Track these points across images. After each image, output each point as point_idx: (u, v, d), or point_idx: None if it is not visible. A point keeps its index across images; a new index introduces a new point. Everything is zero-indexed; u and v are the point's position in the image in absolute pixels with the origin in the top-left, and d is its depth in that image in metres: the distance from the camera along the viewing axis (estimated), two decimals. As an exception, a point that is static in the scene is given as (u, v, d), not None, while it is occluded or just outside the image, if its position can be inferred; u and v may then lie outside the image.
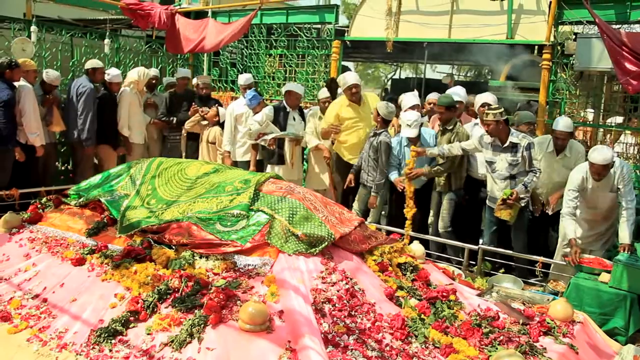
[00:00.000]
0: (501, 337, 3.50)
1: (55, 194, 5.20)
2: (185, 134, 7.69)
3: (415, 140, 5.88)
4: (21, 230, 4.68)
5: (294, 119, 6.79)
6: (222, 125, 7.37)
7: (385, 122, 6.05)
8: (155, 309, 3.42)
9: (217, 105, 7.58)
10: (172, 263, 3.80)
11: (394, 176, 5.97)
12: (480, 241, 5.80)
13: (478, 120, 6.08)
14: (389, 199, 6.34)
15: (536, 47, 7.94)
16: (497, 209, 5.28)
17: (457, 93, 6.36)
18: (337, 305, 3.46)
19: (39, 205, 5.05)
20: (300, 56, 8.56)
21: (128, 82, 7.42)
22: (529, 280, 5.27)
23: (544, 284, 5.13)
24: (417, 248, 4.83)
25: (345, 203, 6.15)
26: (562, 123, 5.46)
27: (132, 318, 3.37)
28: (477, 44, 7.48)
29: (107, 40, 8.25)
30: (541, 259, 5.12)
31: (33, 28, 7.41)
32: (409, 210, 5.57)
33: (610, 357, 3.84)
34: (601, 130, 7.76)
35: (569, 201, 5.06)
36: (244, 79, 7.44)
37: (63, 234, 4.50)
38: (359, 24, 8.09)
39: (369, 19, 7.91)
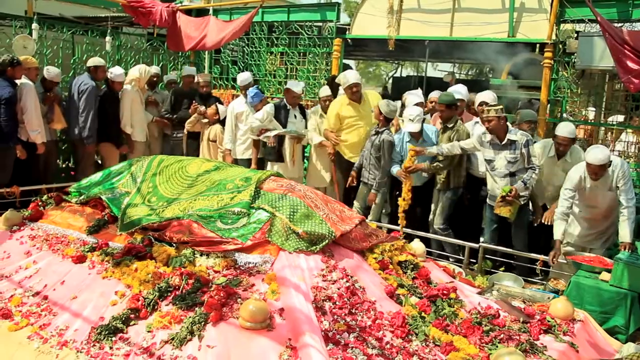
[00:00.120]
0: (502, 335, 3.50)
1: (56, 192, 5.20)
2: (186, 132, 7.69)
3: (417, 135, 5.88)
4: (22, 228, 4.68)
5: (295, 116, 6.80)
6: (222, 123, 7.37)
7: (387, 120, 6.06)
8: (156, 307, 3.42)
9: (216, 103, 7.58)
10: (173, 261, 3.80)
11: (396, 169, 5.97)
12: (481, 239, 5.80)
13: (479, 119, 6.08)
14: (389, 197, 6.34)
15: (538, 45, 7.93)
16: (496, 206, 5.29)
17: (459, 91, 6.37)
18: (337, 303, 3.46)
19: (39, 203, 5.05)
20: (301, 54, 8.55)
21: (129, 80, 7.42)
22: (530, 279, 5.27)
23: (545, 283, 5.12)
24: (417, 246, 4.84)
25: (347, 201, 6.16)
26: (565, 129, 5.41)
27: (132, 315, 3.37)
28: (478, 42, 7.48)
29: (108, 38, 8.26)
30: (542, 257, 5.12)
31: (34, 25, 7.42)
32: (403, 204, 5.59)
33: (610, 355, 3.84)
34: (602, 128, 7.75)
35: (564, 200, 5.05)
36: (241, 79, 7.42)
37: (64, 232, 4.49)
38: (360, 22, 8.09)
39: (370, 17, 7.90)
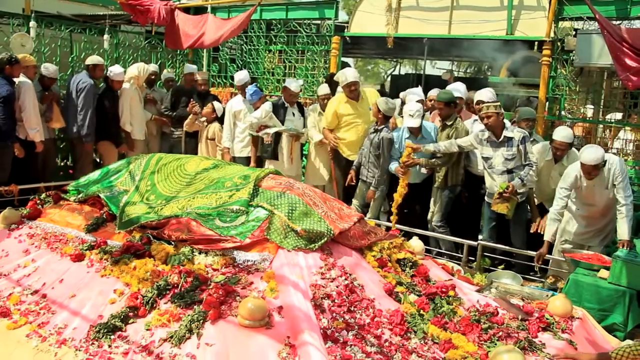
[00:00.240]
0: (500, 333, 3.51)
1: (55, 190, 5.20)
2: (185, 131, 7.68)
3: (416, 132, 5.89)
4: (20, 226, 4.68)
5: (293, 114, 6.80)
6: (221, 121, 7.36)
7: (385, 118, 6.05)
8: (155, 305, 3.42)
9: (212, 101, 7.53)
10: (172, 259, 3.80)
11: (394, 166, 5.97)
12: (480, 237, 5.80)
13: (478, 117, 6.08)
14: (388, 195, 6.34)
15: (536, 43, 7.94)
16: (493, 202, 5.29)
17: (458, 89, 6.37)
18: (336, 301, 3.46)
19: (38, 201, 5.05)
20: (299, 52, 8.54)
21: (128, 78, 7.40)
22: (529, 276, 5.27)
23: (544, 280, 5.13)
24: (416, 244, 4.84)
25: (346, 199, 6.16)
26: (562, 133, 5.41)
27: (131, 314, 3.37)
28: (477, 39, 7.47)
29: (106, 36, 8.24)
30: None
31: (32, 23, 7.41)
32: (398, 198, 5.60)
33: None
34: (600, 126, 7.77)
35: (560, 199, 5.06)
36: (238, 78, 7.39)
37: (62, 230, 4.49)
38: (358, 19, 8.07)
39: (368, 14, 7.89)
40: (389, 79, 21.23)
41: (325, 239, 3.86)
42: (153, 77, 8.03)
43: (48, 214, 4.81)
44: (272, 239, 3.83)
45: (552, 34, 6.61)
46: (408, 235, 5.32)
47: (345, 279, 3.64)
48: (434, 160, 5.83)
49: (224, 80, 9.39)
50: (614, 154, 6.49)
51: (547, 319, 3.79)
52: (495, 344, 3.38)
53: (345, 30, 8.21)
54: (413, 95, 6.65)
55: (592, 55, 6.31)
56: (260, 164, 6.86)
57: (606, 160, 4.82)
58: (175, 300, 3.38)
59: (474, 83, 10.77)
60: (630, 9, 6.24)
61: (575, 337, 3.70)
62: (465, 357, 3.24)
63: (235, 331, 3.11)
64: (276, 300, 3.36)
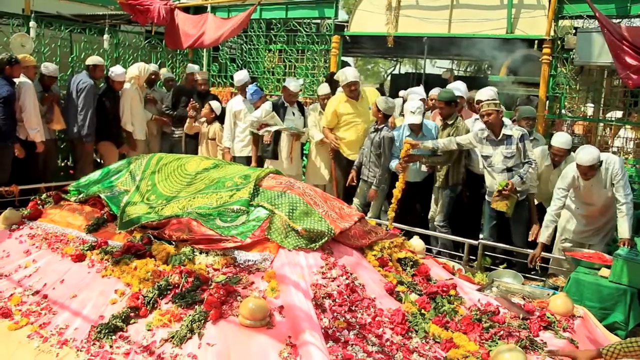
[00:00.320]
0: (501, 332, 3.51)
1: (55, 190, 5.20)
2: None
3: (417, 129, 5.88)
4: (21, 227, 4.68)
5: (293, 114, 6.79)
6: (221, 120, 7.36)
7: (385, 117, 6.05)
8: (156, 305, 3.42)
9: (210, 102, 7.51)
10: (172, 259, 3.80)
11: (394, 163, 5.97)
12: (481, 236, 5.80)
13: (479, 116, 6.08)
14: (389, 194, 6.34)
15: (536, 41, 7.92)
16: (493, 200, 5.30)
17: (458, 88, 6.38)
18: (337, 300, 3.46)
19: (38, 202, 5.05)
20: (299, 51, 8.54)
21: (129, 78, 7.40)
22: (529, 275, 5.27)
23: (544, 279, 5.13)
24: (417, 243, 4.84)
25: (347, 199, 6.15)
26: (560, 139, 5.43)
27: (132, 314, 3.37)
28: (476, 38, 7.47)
29: (106, 36, 8.24)
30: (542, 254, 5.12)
31: (32, 24, 7.40)
32: (397, 194, 5.61)
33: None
34: (601, 125, 7.76)
35: (557, 200, 5.07)
36: (238, 78, 7.37)
37: (63, 230, 4.49)
38: (358, 19, 8.07)
39: (368, 13, 7.89)
40: (388, 78, 21.21)
41: (326, 238, 3.86)
42: (153, 77, 8.03)
43: (49, 214, 4.81)
44: (272, 238, 3.83)
45: (552, 33, 6.61)
46: (409, 235, 5.31)
47: (346, 279, 3.64)
48: (434, 158, 5.83)
49: (224, 80, 9.38)
50: (614, 152, 6.50)
51: (548, 317, 3.79)
52: (497, 343, 3.38)
53: (345, 29, 8.21)
54: (415, 95, 6.67)
55: (592, 54, 6.31)
56: (260, 163, 6.86)
57: (602, 161, 4.81)
58: (176, 301, 3.38)
59: (474, 82, 10.76)
60: (630, 7, 6.24)
61: (577, 336, 3.70)
62: (467, 356, 3.25)
63: (237, 331, 3.11)
64: (277, 300, 3.36)
